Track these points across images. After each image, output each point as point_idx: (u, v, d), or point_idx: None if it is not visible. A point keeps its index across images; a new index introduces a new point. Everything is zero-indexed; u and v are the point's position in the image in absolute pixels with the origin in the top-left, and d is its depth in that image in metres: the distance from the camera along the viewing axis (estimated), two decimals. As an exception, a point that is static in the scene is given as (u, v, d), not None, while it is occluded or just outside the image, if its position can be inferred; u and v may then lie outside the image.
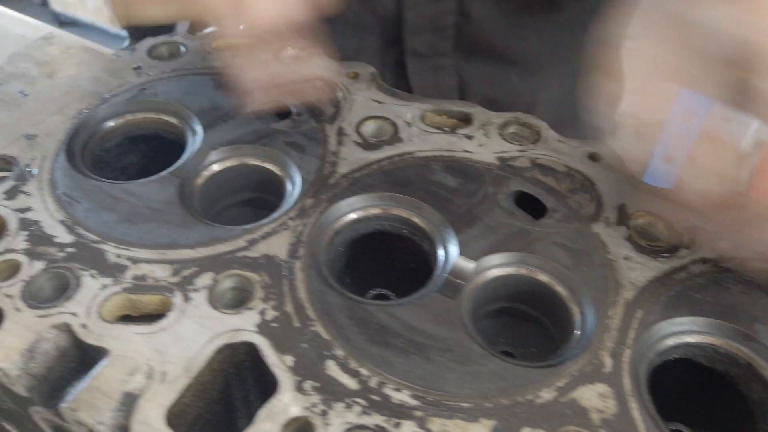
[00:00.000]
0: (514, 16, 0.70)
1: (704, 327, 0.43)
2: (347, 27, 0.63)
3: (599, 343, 0.41)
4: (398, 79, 0.74)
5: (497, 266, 0.47)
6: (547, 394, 0.39)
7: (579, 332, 0.43)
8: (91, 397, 0.38)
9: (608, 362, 0.40)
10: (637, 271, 0.46)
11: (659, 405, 0.39)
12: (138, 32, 0.72)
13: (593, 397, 0.39)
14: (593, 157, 0.54)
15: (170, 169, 0.52)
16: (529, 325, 0.49)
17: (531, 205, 0.50)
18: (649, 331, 0.42)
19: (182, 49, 0.65)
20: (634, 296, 0.44)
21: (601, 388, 0.39)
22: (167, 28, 0.67)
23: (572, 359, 0.41)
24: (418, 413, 0.37)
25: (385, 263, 0.53)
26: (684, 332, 0.43)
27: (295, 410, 0.37)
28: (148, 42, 0.65)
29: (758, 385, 0.42)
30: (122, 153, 0.59)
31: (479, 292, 0.46)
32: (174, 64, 0.63)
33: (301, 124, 0.56)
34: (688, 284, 0.45)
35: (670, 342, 0.43)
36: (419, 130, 0.56)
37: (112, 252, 0.45)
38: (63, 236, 0.46)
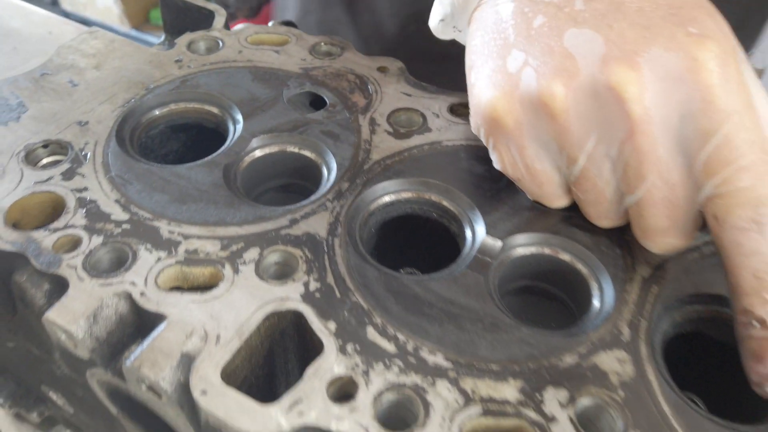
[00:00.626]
0: None
1: (713, 301, 0.46)
2: None
3: (618, 314, 0.45)
4: None
5: (522, 245, 0.50)
6: (570, 359, 0.42)
7: (598, 305, 0.46)
8: (153, 355, 0.41)
9: (626, 331, 0.44)
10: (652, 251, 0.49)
11: (674, 375, 0.43)
12: (173, 28, 0.75)
13: (612, 360, 0.42)
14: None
15: (216, 154, 0.55)
16: (550, 303, 0.52)
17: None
18: (663, 305, 0.46)
19: (220, 43, 0.68)
20: (650, 274, 0.47)
21: (620, 354, 0.42)
22: (203, 24, 0.71)
23: (593, 329, 0.44)
24: (452, 374, 0.41)
25: (414, 244, 0.56)
26: (695, 306, 0.46)
27: (340, 369, 0.41)
28: (188, 37, 0.69)
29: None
30: (165, 140, 0.63)
31: (506, 269, 0.49)
32: (213, 57, 0.66)
33: (336, 115, 0.60)
34: (700, 264, 0.48)
35: (682, 315, 0.46)
36: (446, 121, 0.60)
37: (165, 228, 0.49)
38: (119, 214, 0.50)
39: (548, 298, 0.52)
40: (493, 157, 0.51)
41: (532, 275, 0.51)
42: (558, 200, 0.50)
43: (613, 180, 0.45)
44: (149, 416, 0.49)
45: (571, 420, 0.39)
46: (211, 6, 0.73)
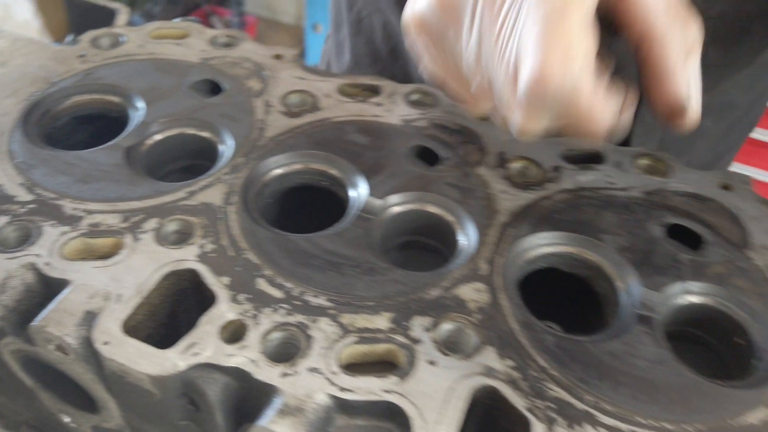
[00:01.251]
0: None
1: (563, 239, 0.54)
2: None
3: (478, 253, 0.52)
4: None
5: (400, 203, 0.56)
6: (434, 292, 0.48)
7: (463, 248, 0.53)
8: (58, 316, 0.45)
9: (484, 266, 0.51)
10: (511, 201, 0.56)
11: (534, 306, 0.50)
12: (79, 27, 0.78)
13: (471, 291, 0.49)
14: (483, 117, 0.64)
15: (117, 139, 0.60)
16: (427, 254, 0.58)
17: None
18: (518, 243, 0.53)
19: (122, 39, 0.72)
20: (507, 219, 0.55)
21: (478, 286, 0.49)
22: (108, 22, 0.75)
23: (456, 267, 0.51)
24: (332, 312, 0.47)
25: (310, 211, 0.61)
26: (547, 244, 0.54)
27: (231, 315, 0.46)
28: (91, 33, 0.72)
29: (605, 282, 0.53)
30: (72, 132, 0.66)
31: (387, 224, 0.55)
32: (116, 51, 0.70)
33: (232, 98, 0.65)
34: (552, 209, 0.56)
35: (536, 252, 0.54)
36: (336, 101, 0.66)
37: (68, 206, 0.53)
38: (23, 196, 0.53)
39: (428, 251, 0.59)
40: (423, 62, 0.55)
41: (412, 230, 0.58)
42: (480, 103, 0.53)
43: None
44: (62, 382, 0.52)
45: (433, 340, 0.45)
46: (114, 4, 0.77)
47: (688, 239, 0.55)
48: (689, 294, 0.51)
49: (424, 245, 0.58)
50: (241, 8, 3.58)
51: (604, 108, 0.45)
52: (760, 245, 0.54)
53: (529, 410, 0.42)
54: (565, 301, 0.57)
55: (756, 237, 0.55)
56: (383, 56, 0.91)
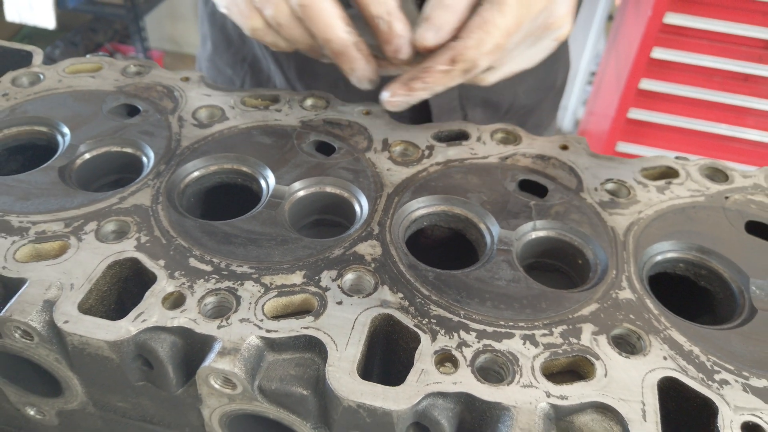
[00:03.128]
0: None
1: (438, 201, 0.67)
2: None
3: (371, 219, 0.64)
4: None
5: (303, 188, 0.67)
6: (337, 252, 0.60)
7: (359, 216, 0.65)
8: (20, 306, 0.53)
9: (376, 228, 0.63)
10: (395, 176, 0.69)
11: (424, 256, 0.62)
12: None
13: (367, 247, 0.60)
14: (367, 113, 0.77)
15: (50, 162, 0.68)
16: (336, 229, 0.70)
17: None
18: (403, 207, 0.65)
19: (41, 76, 0.80)
20: (393, 190, 0.67)
21: (372, 242, 0.61)
22: (25, 63, 0.82)
23: (354, 231, 0.62)
24: (255, 276, 0.57)
25: (231, 205, 0.71)
26: (426, 206, 0.66)
27: (170, 288, 0.55)
28: (11, 74, 0.79)
29: (476, 232, 0.66)
30: (4, 162, 0.73)
31: (294, 205, 0.66)
32: (36, 88, 0.78)
33: (149, 118, 0.74)
34: (427, 178, 0.69)
35: (418, 213, 0.66)
36: (241, 110, 0.76)
37: (15, 220, 0.61)
38: (-29, 217, 0.61)
39: (334, 226, 0.70)
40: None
41: (317, 210, 0.69)
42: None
43: None
44: (26, 374, 0.60)
45: (339, 287, 0.56)
46: (29, 47, 0.84)
47: (536, 190, 0.69)
48: (537, 230, 0.65)
49: (330, 222, 0.70)
50: (145, 44, 3.60)
51: None
52: (591, 187, 0.69)
53: (417, 327, 0.54)
54: (454, 251, 0.70)
55: (587, 182, 0.70)
56: (235, 41, 1.06)
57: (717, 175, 0.73)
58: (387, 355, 0.56)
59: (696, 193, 0.69)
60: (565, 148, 0.75)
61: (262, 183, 0.68)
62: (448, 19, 0.61)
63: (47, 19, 3.51)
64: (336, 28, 0.62)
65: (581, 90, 3.63)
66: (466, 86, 1.03)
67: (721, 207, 0.67)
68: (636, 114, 2.67)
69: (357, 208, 0.66)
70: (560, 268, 0.67)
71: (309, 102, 0.78)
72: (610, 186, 0.70)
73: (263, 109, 0.77)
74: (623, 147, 2.79)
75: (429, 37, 0.62)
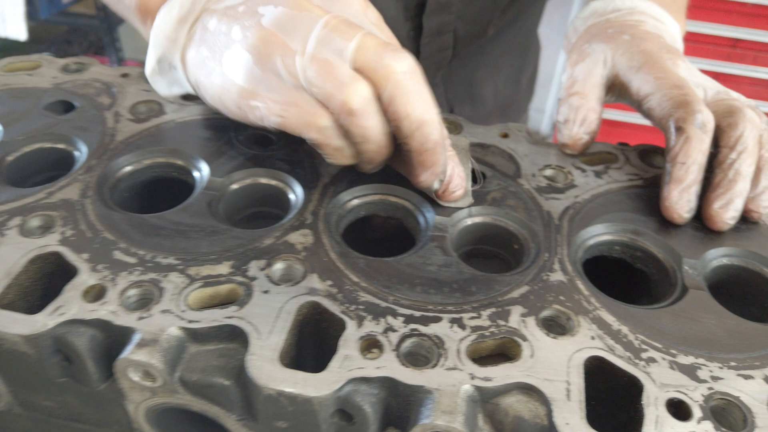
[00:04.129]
0: (478, 47, 1.02)
1: (374, 189, 0.66)
2: None
3: (305, 208, 0.63)
4: None
5: (239, 180, 0.67)
6: (268, 241, 0.59)
7: (294, 205, 0.64)
8: (-66, 303, 0.52)
9: (310, 217, 0.62)
10: (334, 167, 0.68)
11: (358, 244, 0.61)
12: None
13: (298, 236, 0.60)
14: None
15: (-24, 158, 0.66)
16: (271, 221, 0.69)
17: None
18: (336, 197, 0.64)
19: (-25, 75, 0.79)
20: (329, 180, 0.66)
21: (304, 231, 0.60)
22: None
23: (286, 220, 0.61)
24: (180, 267, 0.56)
25: (168, 199, 0.70)
26: (362, 195, 0.66)
27: (92, 281, 0.54)
28: (-57, 73, 0.78)
29: (413, 220, 0.65)
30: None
31: (229, 197, 0.65)
32: (-31, 86, 0.76)
33: (84, 113, 0.73)
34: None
35: (352, 203, 0.65)
36: (179, 105, 0.75)
37: (-65, 217, 0.59)
38: None
39: (272, 218, 0.69)
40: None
41: (253, 202, 0.68)
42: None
43: None
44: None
45: (267, 276, 0.55)
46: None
47: (475, 177, 0.69)
48: (473, 216, 0.64)
49: (267, 214, 0.69)
50: (120, 54, 3.58)
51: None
52: (529, 174, 0.69)
53: (344, 313, 0.53)
54: (407, 242, 0.69)
55: (526, 168, 0.70)
56: None
57: (656, 159, 0.73)
58: (319, 344, 0.55)
59: (633, 177, 0.70)
60: (505, 136, 0.74)
61: (197, 175, 0.67)
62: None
63: (18, 31, 3.48)
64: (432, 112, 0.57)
65: (558, 92, 3.66)
66: (451, 83, 1.05)
67: (656, 189, 0.67)
68: (610, 114, 2.70)
69: (293, 198, 0.65)
70: (498, 254, 0.66)
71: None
72: (548, 172, 0.70)
73: (202, 104, 0.76)
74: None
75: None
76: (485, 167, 0.69)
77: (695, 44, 2.52)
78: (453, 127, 0.75)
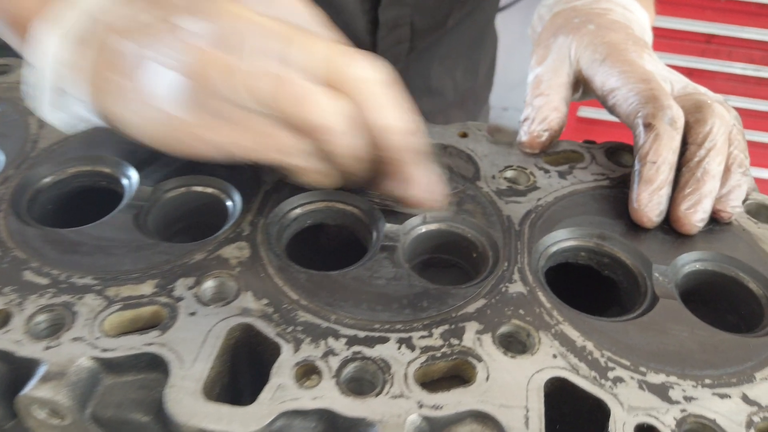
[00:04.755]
0: (435, 39, 0.97)
1: (319, 196, 0.61)
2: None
3: (242, 218, 0.57)
4: None
5: (171, 188, 0.61)
6: (199, 256, 0.53)
7: (231, 215, 0.58)
8: None
9: (247, 228, 0.56)
10: (275, 174, 0.63)
11: (313, 256, 0.56)
12: None
13: (233, 250, 0.54)
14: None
15: None
16: (208, 233, 0.63)
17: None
18: (280, 205, 0.59)
19: None
20: (272, 187, 0.61)
21: (240, 244, 0.55)
22: None
23: (221, 232, 0.56)
24: (97, 288, 0.50)
25: (96, 211, 0.64)
26: (305, 204, 0.60)
27: (-6, 307, 0.48)
28: None
29: (364, 228, 0.60)
30: None
31: (160, 208, 0.60)
32: None
33: (5, 118, 0.67)
34: (312, 173, 0.63)
35: (296, 212, 0.60)
36: (111, 108, 0.69)
37: None
38: None
39: (210, 230, 0.63)
40: None
41: (188, 213, 0.62)
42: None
43: None
44: None
45: (195, 295, 0.50)
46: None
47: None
48: (427, 223, 0.59)
49: (203, 225, 0.63)
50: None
51: None
52: (489, 175, 0.64)
53: (279, 336, 0.47)
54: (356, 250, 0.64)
55: (485, 170, 0.65)
56: None
57: (624, 157, 0.68)
58: (256, 371, 0.50)
59: (600, 177, 0.65)
60: (464, 135, 0.69)
61: (126, 184, 0.61)
62: None
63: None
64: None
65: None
66: (409, 77, 1.01)
67: (624, 190, 0.63)
68: (586, 112, 2.67)
69: (231, 207, 0.60)
70: (457, 263, 0.61)
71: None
72: (509, 173, 0.65)
73: (137, 106, 0.70)
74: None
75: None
76: (442, 168, 0.64)
77: (669, 40, 2.50)
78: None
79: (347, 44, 0.50)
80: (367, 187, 0.57)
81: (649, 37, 0.77)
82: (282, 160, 0.49)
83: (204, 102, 0.46)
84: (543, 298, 0.52)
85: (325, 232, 0.68)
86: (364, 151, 0.50)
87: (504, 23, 2.72)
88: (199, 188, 0.61)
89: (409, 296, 0.51)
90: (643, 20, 0.75)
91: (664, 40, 2.47)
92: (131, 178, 0.61)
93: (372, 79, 0.48)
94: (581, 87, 0.70)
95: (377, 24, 0.90)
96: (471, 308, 0.51)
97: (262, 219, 0.57)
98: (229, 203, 0.60)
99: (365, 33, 0.92)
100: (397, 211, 0.58)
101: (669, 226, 0.59)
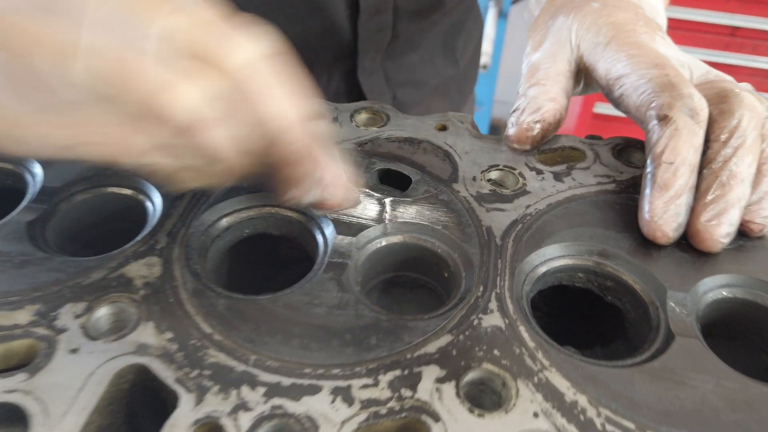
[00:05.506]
0: (418, 26, 0.89)
1: (260, 200, 0.50)
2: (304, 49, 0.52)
3: (159, 227, 0.47)
4: (347, 84, 0.88)
5: (83, 189, 0.51)
6: (97, 275, 0.43)
7: (150, 225, 0.48)
8: None
9: (163, 240, 0.46)
10: (211, 169, 0.52)
11: (240, 271, 0.45)
12: None
13: (141, 267, 0.44)
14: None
15: None
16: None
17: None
18: (207, 212, 0.48)
19: None
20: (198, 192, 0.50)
21: (151, 260, 0.44)
22: None
23: (130, 245, 0.45)
24: (-38, 314, 0.40)
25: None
26: (237, 211, 0.50)
27: None
28: None
29: (311, 239, 0.49)
30: None
31: (66, 212, 0.49)
32: None
33: None
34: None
35: (233, 217, 0.49)
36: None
37: None
38: None
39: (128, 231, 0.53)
40: None
41: (104, 218, 0.52)
42: None
43: None
44: None
45: (82, 326, 0.39)
46: None
47: (400, 182, 0.53)
48: (388, 235, 0.48)
49: (124, 234, 0.53)
50: None
51: None
52: (468, 177, 0.53)
53: (179, 382, 0.37)
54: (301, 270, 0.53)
55: (465, 169, 0.54)
56: None
57: (634, 155, 0.57)
58: (157, 424, 0.39)
59: (604, 180, 0.54)
60: (443, 128, 0.58)
61: (29, 182, 0.51)
62: None
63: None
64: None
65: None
66: (390, 69, 0.91)
67: (634, 196, 0.51)
68: (602, 108, 2.54)
69: (150, 207, 0.49)
70: (427, 283, 0.51)
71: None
72: (493, 174, 0.54)
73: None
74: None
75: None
76: (412, 169, 0.53)
77: (691, 33, 2.36)
78: (378, 118, 0.59)
79: (230, 16, 0.38)
80: (268, 185, 0.45)
81: (662, 19, 0.65)
82: (142, 163, 0.37)
83: (26, 85, 0.34)
84: (525, 335, 0.41)
85: (278, 245, 0.57)
86: (251, 141, 0.39)
87: (519, 14, 2.59)
88: (114, 189, 0.51)
89: (354, 330, 0.41)
90: (655, 1, 0.64)
91: (686, 32, 2.34)
92: (36, 175, 0.51)
93: (251, 56, 0.36)
94: (582, 75, 0.59)
95: (358, 9, 0.80)
96: (432, 347, 0.40)
97: (184, 228, 0.47)
98: (150, 207, 0.50)
99: (345, 19, 0.81)
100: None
101: (688, 242, 0.48)
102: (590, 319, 0.51)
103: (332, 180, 0.43)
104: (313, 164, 0.42)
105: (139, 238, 0.46)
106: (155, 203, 0.49)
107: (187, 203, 0.49)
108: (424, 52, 0.93)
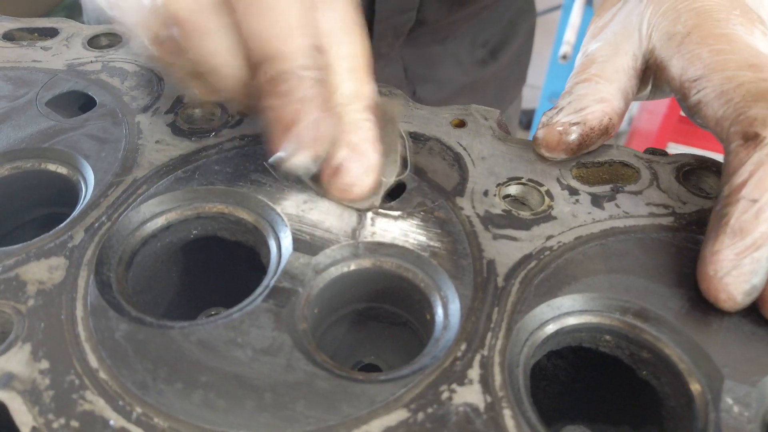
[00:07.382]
0: (449, 14, 0.79)
1: (207, 196, 0.40)
2: None
3: (81, 219, 0.38)
4: None
5: (7, 164, 0.43)
6: (-16, 274, 0.35)
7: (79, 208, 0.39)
8: None
9: (80, 235, 0.37)
10: (165, 151, 0.43)
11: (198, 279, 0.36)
12: None
13: (42, 270, 0.35)
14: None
15: None
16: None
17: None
18: (145, 204, 0.39)
19: None
20: (147, 173, 0.41)
21: (57, 261, 0.36)
22: None
23: (42, 237, 0.37)
24: None
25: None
26: (180, 207, 0.40)
27: None
28: None
29: (266, 251, 0.39)
30: None
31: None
32: None
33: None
34: (215, 159, 0.43)
35: (174, 215, 0.40)
36: (-7, 46, 0.52)
37: None
38: None
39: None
40: None
41: (37, 200, 0.44)
42: None
43: None
44: None
45: (-57, 340, 0.31)
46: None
47: (394, 188, 0.42)
48: (358, 257, 0.38)
49: (60, 216, 0.45)
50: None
51: None
52: (479, 189, 0.41)
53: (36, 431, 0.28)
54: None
55: (476, 179, 0.42)
56: None
57: (706, 181, 0.43)
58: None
59: (661, 211, 0.41)
60: (461, 124, 0.47)
61: (-48, 153, 0.43)
62: None
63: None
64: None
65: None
66: (409, 59, 0.81)
67: (697, 237, 0.38)
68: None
69: (82, 189, 0.41)
70: (408, 321, 0.40)
71: (96, 39, 0.54)
72: (513, 189, 0.42)
73: (27, 46, 0.53)
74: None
75: None
76: (409, 175, 0.42)
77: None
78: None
79: None
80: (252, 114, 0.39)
81: (766, 12, 0.50)
82: (150, 46, 0.38)
83: None
84: (509, 423, 0.29)
85: (232, 253, 0.48)
86: (238, 57, 0.35)
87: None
88: (49, 165, 0.43)
89: (278, 388, 0.30)
90: None
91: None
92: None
93: None
94: (651, 74, 0.45)
95: None
96: (376, 426, 0.29)
97: (109, 224, 0.38)
98: (80, 183, 0.41)
99: None
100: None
101: (761, 313, 0.34)
102: (618, 391, 0.39)
103: (359, 145, 0.37)
104: (310, 113, 0.34)
105: (51, 232, 0.38)
106: (88, 187, 0.41)
107: (123, 191, 0.40)
108: (452, 46, 0.81)
